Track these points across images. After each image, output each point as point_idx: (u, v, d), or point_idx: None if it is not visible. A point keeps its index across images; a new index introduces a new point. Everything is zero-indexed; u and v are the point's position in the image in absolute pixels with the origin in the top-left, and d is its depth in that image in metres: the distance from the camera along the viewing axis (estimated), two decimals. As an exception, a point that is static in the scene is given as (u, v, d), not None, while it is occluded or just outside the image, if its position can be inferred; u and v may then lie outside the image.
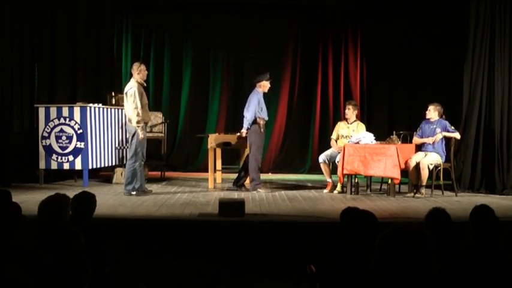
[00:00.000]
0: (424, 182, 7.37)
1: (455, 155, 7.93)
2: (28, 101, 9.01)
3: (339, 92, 10.77)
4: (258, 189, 7.81)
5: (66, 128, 8.16)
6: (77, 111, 8.14)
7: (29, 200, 6.48)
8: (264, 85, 7.94)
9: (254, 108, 7.79)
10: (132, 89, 7.21)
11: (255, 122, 7.82)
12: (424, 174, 7.32)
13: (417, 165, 7.38)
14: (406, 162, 7.38)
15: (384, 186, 8.01)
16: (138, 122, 7.16)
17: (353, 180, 7.69)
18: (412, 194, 7.39)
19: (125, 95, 7.37)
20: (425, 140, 7.56)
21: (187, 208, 6.46)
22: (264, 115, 7.88)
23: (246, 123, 7.88)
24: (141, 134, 7.18)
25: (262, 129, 7.82)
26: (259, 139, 7.84)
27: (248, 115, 7.85)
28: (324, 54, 10.87)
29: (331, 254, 3.19)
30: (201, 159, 10.65)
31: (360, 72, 10.83)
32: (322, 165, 7.99)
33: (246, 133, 7.89)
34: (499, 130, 7.91)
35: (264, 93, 8.02)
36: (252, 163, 7.85)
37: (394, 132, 8.04)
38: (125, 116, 7.49)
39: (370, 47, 10.77)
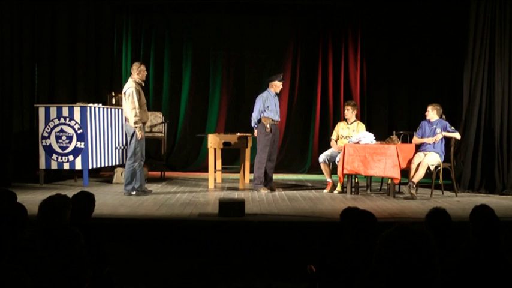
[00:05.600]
0: (416, 180, 7.32)
1: (455, 155, 7.93)
2: (28, 101, 9.02)
3: (339, 92, 10.77)
4: (259, 189, 7.82)
5: (66, 128, 8.16)
6: (77, 111, 8.14)
7: (29, 200, 6.47)
8: (276, 85, 7.97)
9: (258, 108, 7.87)
10: (130, 89, 7.21)
11: (260, 122, 7.86)
12: (421, 173, 7.29)
13: (417, 166, 7.38)
14: (407, 164, 7.37)
15: (384, 186, 8.02)
16: (135, 123, 7.15)
17: (353, 180, 7.69)
18: (407, 190, 7.29)
19: (123, 95, 7.37)
20: (425, 140, 7.56)
21: (187, 208, 6.46)
22: (272, 115, 7.88)
23: (252, 123, 8.03)
24: (139, 134, 7.17)
25: (267, 129, 7.82)
26: (265, 139, 7.85)
27: (253, 115, 7.97)
28: (324, 54, 10.88)
29: (331, 254, 3.18)
30: (201, 159, 10.66)
31: (360, 72, 10.83)
32: (322, 165, 7.99)
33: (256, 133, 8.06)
34: (499, 130, 7.91)
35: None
36: (256, 162, 7.91)
37: (394, 132, 8.04)
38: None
39: (370, 47, 10.77)
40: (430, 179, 7.56)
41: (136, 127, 7.16)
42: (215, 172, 8.48)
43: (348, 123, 8.15)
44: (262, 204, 6.78)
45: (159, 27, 11.00)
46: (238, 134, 8.53)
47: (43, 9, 9.22)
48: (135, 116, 7.15)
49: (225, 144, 8.32)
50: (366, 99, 10.81)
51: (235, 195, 7.52)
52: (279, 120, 8.30)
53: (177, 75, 10.99)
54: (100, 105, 8.57)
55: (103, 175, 9.58)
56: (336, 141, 8.15)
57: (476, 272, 2.68)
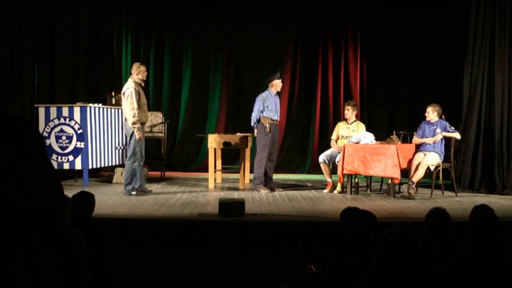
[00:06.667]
0: (416, 180, 7.33)
1: (455, 155, 7.92)
2: (28, 101, 9.02)
3: (339, 92, 10.77)
4: (258, 189, 7.82)
5: (66, 128, 8.16)
6: (77, 111, 8.14)
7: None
8: (276, 84, 7.98)
9: (257, 108, 7.89)
10: (129, 89, 7.20)
11: (260, 121, 7.87)
12: (420, 173, 7.28)
13: (417, 166, 7.38)
14: (407, 164, 7.37)
15: (384, 186, 8.02)
16: (133, 123, 7.15)
17: (353, 180, 7.69)
18: (406, 189, 7.30)
19: (122, 95, 7.37)
20: (425, 140, 7.56)
21: (187, 208, 6.46)
22: (271, 115, 7.88)
23: (251, 123, 8.04)
24: (137, 135, 7.17)
25: (267, 129, 7.83)
26: (265, 139, 7.86)
27: (253, 114, 7.99)
28: (324, 54, 10.87)
29: (331, 254, 3.18)
30: (201, 159, 10.66)
31: (360, 72, 10.83)
32: (322, 165, 7.99)
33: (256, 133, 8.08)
34: (499, 130, 7.92)
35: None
36: (255, 162, 7.92)
37: (394, 132, 8.04)
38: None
39: (370, 47, 10.77)
40: (430, 179, 7.56)
41: (134, 127, 7.15)
42: (215, 172, 8.48)
43: (348, 123, 8.15)
44: (262, 204, 6.78)
45: (159, 27, 10.99)
46: (238, 134, 8.53)
47: (43, 9, 9.22)
48: (133, 116, 7.14)
49: (225, 144, 8.31)
50: (366, 99, 10.81)
51: (235, 195, 7.52)
52: (279, 120, 8.28)
53: (177, 75, 10.98)
54: (100, 105, 8.57)
55: (103, 175, 9.58)
56: (336, 141, 8.15)
57: (476, 272, 2.68)
